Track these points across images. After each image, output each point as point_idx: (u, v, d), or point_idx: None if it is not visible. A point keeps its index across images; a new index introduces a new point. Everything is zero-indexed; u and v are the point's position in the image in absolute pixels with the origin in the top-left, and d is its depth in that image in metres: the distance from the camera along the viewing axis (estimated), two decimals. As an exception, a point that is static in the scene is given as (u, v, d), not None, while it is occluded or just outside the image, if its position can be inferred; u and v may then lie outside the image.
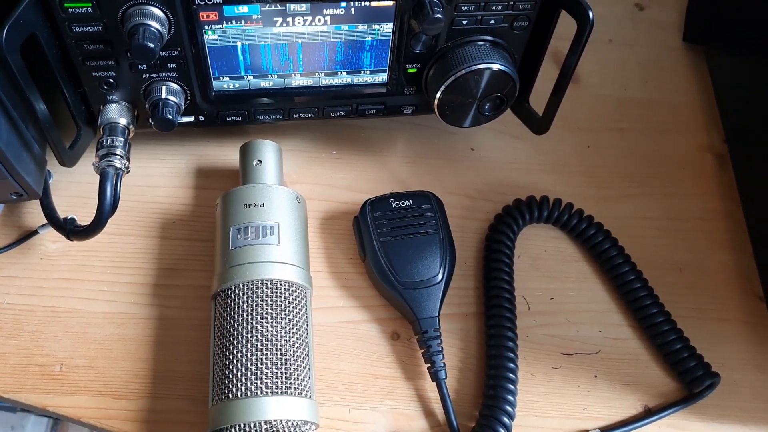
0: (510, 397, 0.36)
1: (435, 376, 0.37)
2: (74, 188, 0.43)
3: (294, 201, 0.39)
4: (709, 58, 0.54)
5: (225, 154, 0.46)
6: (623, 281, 0.41)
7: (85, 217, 0.37)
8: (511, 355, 0.38)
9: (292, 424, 0.31)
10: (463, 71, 0.37)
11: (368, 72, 0.40)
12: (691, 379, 0.38)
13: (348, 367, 0.38)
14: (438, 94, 0.39)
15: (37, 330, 0.38)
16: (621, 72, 0.54)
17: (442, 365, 0.37)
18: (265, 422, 0.31)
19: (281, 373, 0.32)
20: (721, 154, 0.49)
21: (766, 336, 0.41)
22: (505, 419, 0.36)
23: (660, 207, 0.46)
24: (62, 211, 0.39)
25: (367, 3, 0.36)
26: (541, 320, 0.41)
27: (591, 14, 0.35)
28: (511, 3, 0.36)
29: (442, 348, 0.37)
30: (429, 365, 0.37)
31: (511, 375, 0.37)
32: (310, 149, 0.47)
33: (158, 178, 0.44)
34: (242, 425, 0.31)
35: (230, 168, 0.45)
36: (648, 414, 0.38)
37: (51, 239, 0.41)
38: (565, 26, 0.37)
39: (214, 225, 0.39)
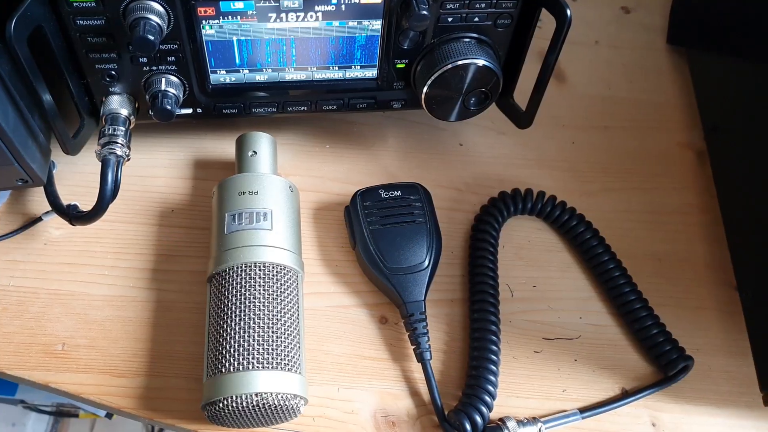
0: (492, 378, 0.38)
1: (420, 357, 0.38)
2: (77, 178, 0.45)
3: (287, 189, 0.40)
4: (691, 60, 0.56)
5: (221, 147, 0.48)
6: (603, 270, 0.43)
7: (87, 204, 0.39)
8: (494, 338, 0.39)
9: (282, 397, 0.33)
10: (449, 66, 0.39)
11: (359, 67, 0.42)
12: (666, 362, 0.40)
13: (338, 349, 0.40)
14: (425, 89, 0.41)
15: (41, 311, 0.40)
16: (606, 72, 0.56)
17: (427, 347, 0.38)
18: (256, 395, 0.32)
19: (272, 349, 0.34)
20: (701, 151, 0.51)
21: (738, 323, 0.42)
22: (487, 398, 0.37)
23: (640, 201, 0.48)
24: (65, 200, 0.40)
25: (356, 0, 0.37)
26: (524, 307, 0.43)
27: (569, 12, 0.36)
28: (494, 1, 0.38)
29: (427, 330, 0.39)
30: (414, 347, 0.39)
31: (493, 357, 0.39)
32: (305, 143, 0.49)
33: (158, 169, 0.46)
34: (234, 397, 0.32)
35: (226, 160, 0.47)
36: (625, 396, 0.40)
37: (54, 226, 0.43)
38: (553, 28, 0.39)
39: (210, 214, 0.41)
